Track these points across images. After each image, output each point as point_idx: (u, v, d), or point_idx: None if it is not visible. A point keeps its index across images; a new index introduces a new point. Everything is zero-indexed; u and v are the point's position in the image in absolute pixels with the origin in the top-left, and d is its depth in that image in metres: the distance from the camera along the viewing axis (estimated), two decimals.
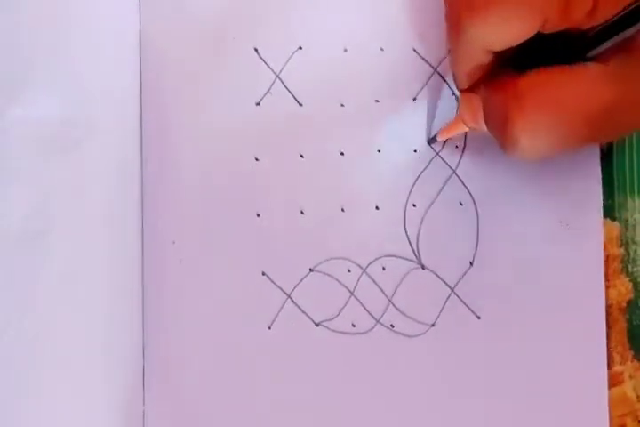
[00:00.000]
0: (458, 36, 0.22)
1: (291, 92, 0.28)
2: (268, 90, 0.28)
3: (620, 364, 0.28)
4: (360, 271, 0.28)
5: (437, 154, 0.28)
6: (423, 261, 0.28)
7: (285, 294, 0.27)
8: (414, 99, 0.28)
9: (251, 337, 0.27)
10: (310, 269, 0.27)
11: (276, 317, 0.27)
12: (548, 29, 0.20)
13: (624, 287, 0.29)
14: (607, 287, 0.28)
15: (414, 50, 0.28)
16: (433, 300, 0.28)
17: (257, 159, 0.28)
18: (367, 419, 0.27)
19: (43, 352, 0.26)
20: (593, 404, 0.28)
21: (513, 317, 0.28)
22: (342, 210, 0.28)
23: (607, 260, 0.28)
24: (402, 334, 0.28)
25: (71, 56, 0.27)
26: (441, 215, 0.28)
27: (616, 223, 0.29)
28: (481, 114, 0.23)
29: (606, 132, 0.22)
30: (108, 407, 0.27)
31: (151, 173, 0.27)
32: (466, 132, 0.28)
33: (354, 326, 0.27)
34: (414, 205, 0.28)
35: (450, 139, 0.27)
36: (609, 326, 0.28)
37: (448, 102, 0.28)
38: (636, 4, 0.19)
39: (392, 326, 0.27)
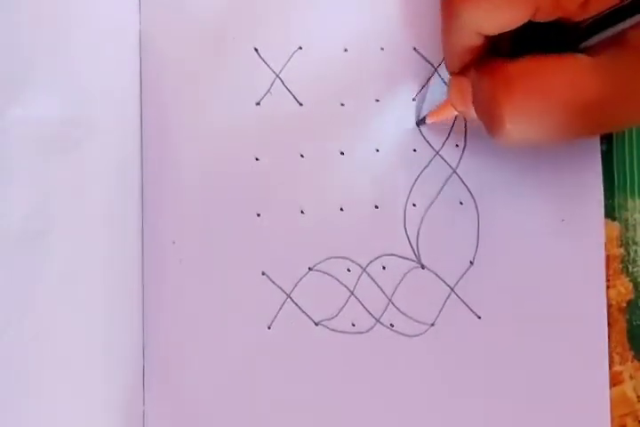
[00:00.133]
0: (450, 19, 0.22)
1: (291, 92, 0.28)
2: (268, 90, 0.28)
3: (620, 364, 0.28)
4: (360, 271, 0.28)
5: (437, 153, 0.28)
6: (423, 261, 0.28)
7: (285, 293, 0.27)
8: (414, 99, 0.28)
9: (251, 337, 0.27)
10: (310, 269, 0.27)
11: (276, 316, 0.27)
12: (540, 18, 0.21)
13: (624, 287, 0.29)
14: (607, 287, 0.28)
15: (415, 49, 0.28)
16: (433, 299, 0.28)
17: (257, 159, 0.28)
18: (367, 419, 0.27)
19: (43, 352, 0.26)
20: (594, 404, 0.28)
21: (513, 316, 0.28)
22: (342, 209, 0.28)
23: (607, 260, 0.28)
24: (401, 333, 0.27)
25: (71, 56, 0.27)
26: (441, 215, 0.28)
27: (616, 223, 0.29)
28: (470, 98, 0.23)
29: (593, 125, 0.22)
30: (107, 407, 0.26)
31: (151, 173, 0.27)
32: (465, 132, 0.28)
33: (353, 325, 0.27)
34: (414, 205, 0.28)
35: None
36: (609, 327, 0.28)
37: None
38: None
39: (392, 325, 0.27)
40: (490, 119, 0.22)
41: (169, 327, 0.27)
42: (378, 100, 0.28)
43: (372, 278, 0.28)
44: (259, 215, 0.27)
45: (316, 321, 0.27)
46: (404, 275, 0.28)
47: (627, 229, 0.29)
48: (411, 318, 0.28)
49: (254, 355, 0.27)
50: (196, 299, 0.27)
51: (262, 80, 0.28)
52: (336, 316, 0.27)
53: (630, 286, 0.29)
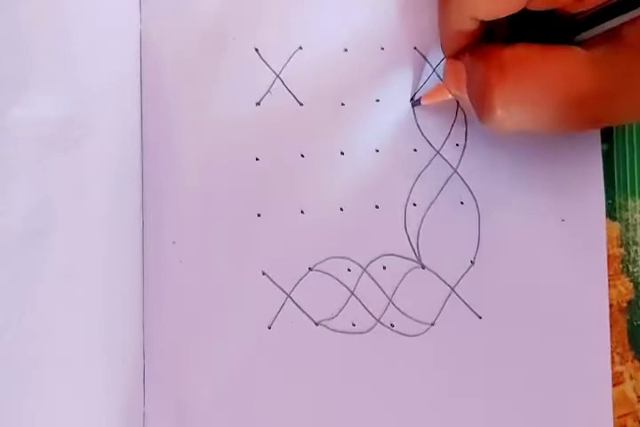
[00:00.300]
0: (446, 3, 0.22)
1: (291, 92, 0.28)
2: (269, 90, 0.28)
3: (621, 364, 0.28)
4: (360, 271, 0.28)
5: (438, 153, 0.28)
6: (423, 261, 0.28)
7: (285, 293, 0.27)
8: (412, 99, 0.28)
9: (251, 337, 0.27)
10: (310, 269, 0.27)
11: (276, 316, 0.27)
12: (535, 6, 0.21)
13: (624, 288, 0.29)
14: (607, 287, 0.28)
15: (415, 49, 0.28)
16: (433, 299, 0.28)
17: (257, 159, 0.28)
18: (367, 419, 0.27)
19: (43, 352, 0.26)
20: (596, 404, 0.28)
21: (514, 316, 0.28)
22: (342, 209, 0.28)
23: (608, 260, 0.28)
24: (402, 333, 0.27)
25: (71, 56, 0.27)
26: (442, 214, 0.28)
27: (616, 223, 0.29)
28: (464, 82, 0.24)
29: (587, 118, 0.22)
30: (107, 407, 0.26)
31: (151, 173, 0.27)
32: (466, 132, 0.28)
33: (354, 325, 0.27)
34: (415, 205, 0.28)
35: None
36: (609, 327, 0.28)
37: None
38: None
39: (392, 325, 0.27)
40: (481, 104, 0.22)
41: (169, 327, 0.27)
42: (378, 101, 0.28)
43: (372, 278, 0.28)
44: (259, 215, 0.27)
45: (316, 321, 0.27)
46: (405, 275, 0.28)
47: (627, 229, 0.29)
48: (411, 317, 0.28)
49: (254, 355, 0.27)
50: (196, 299, 0.27)
51: (262, 80, 0.28)
52: (336, 316, 0.27)
53: (630, 286, 0.29)
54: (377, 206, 0.28)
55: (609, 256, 0.28)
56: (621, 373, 0.28)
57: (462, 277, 0.28)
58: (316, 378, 0.27)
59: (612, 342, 0.28)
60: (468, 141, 0.28)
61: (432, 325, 0.28)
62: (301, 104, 0.28)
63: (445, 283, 0.28)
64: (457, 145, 0.28)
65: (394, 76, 0.28)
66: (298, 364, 0.27)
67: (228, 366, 0.27)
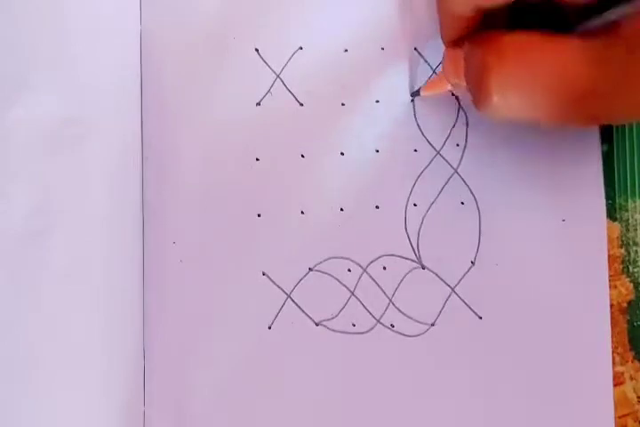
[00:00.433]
0: None
1: (291, 92, 0.28)
2: (269, 90, 0.28)
3: (621, 365, 0.28)
4: (360, 271, 0.28)
5: (438, 153, 0.28)
6: (424, 261, 0.28)
7: (285, 293, 0.27)
8: (412, 100, 0.28)
9: (251, 337, 0.27)
10: (310, 269, 0.27)
11: (276, 316, 0.27)
12: None
13: (624, 288, 0.29)
14: (608, 288, 0.28)
15: (415, 49, 0.28)
16: (433, 300, 0.28)
17: (257, 159, 0.28)
18: (367, 419, 0.27)
19: (43, 352, 0.26)
20: (597, 404, 0.28)
21: (515, 317, 0.28)
22: (342, 210, 0.28)
23: (608, 260, 0.28)
24: (402, 333, 0.27)
25: (71, 56, 0.27)
26: (442, 215, 0.28)
27: (616, 224, 0.29)
28: (463, 70, 0.23)
29: (583, 112, 0.22)
30: (107, 408, 0.26)
31: (152, 173, 0.27)
32: (467, 132, 0.28)
33: (354, 325, 0.27)
34: (415, 205, 0.28)
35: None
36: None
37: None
38: None
39: (392, 325, 0.27)
40: (478, 88, 0.22)
41: (169, 327, 0.27)
42: (378, 101, 0.28)
43: (372, 279, 0.28)
44: (259, 215, 0.27)
45: (316, 321, 0.27)
46: (405, 275, 0.28)
47: (627, 229, 0.29)
48: (411, 318, 0.28)
49: (254, 355, 0.27)
50: (196, 299, 0.27)
51: (263, 80, 0.28)
52: (336, 316, 0.27)
53: (631, 286, 0.29)
54: (377, 207, 0.28)
55: (609, 257, 0.28)
56: (622, 373, 0.28)
57: (463, 277, 0.28)
58: (316, 378, 0.27)
59: (612, 342, 0.28)
60: (468, 142, 0.28)
61: (432, 325, 0.28)
62: (301, 104, 0.28)
63: (446, 283, 0.28)
64: (457, 145, 0.28)
65: (394, 77, 0.28)
66: (298, 364, 0.27)
67: (228, 367, 0.27)
